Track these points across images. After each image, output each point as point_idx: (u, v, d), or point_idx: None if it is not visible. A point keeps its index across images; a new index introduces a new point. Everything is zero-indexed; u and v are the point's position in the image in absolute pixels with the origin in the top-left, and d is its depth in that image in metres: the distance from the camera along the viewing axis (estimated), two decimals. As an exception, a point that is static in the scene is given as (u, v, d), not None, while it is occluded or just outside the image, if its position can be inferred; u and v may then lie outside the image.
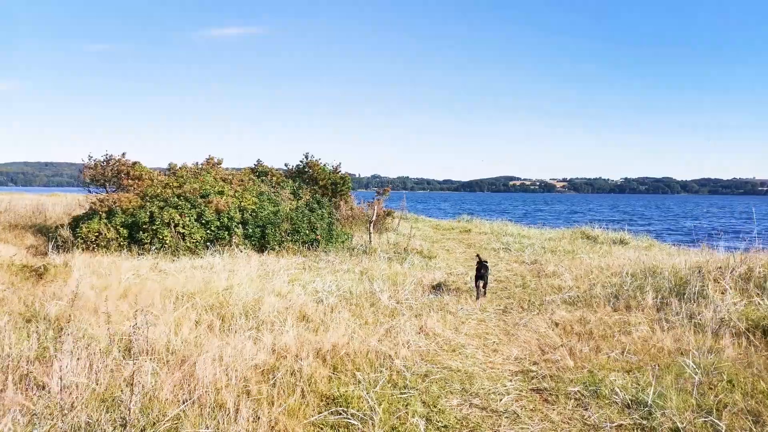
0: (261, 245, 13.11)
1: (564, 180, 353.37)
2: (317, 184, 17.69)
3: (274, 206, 14.64)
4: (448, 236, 19.21)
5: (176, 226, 12.85)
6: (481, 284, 8.23)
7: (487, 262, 8.63)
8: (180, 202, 13.47)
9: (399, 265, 10.78)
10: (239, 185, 15.56)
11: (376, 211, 18.41)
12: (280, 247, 13.00)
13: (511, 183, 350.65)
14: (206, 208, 13.37)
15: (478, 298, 8.11)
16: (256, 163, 18.13)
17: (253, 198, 14.59)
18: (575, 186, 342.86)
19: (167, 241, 12.60)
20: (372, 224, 12.72)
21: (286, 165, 18.58)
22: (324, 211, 16.88)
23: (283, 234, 13.30)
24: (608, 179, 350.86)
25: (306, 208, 16.92)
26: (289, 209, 15.01)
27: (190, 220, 13.02)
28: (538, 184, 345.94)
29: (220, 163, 17.30)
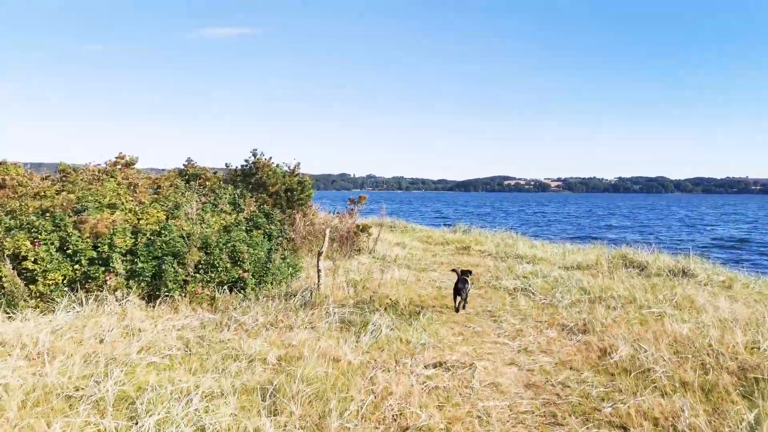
0: (154, 289, 8.44)
1: (558, 180, 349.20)
2: (267, 190, 13.03)
3: (194, 225, 10.01)
4: (441, 257, 14.59)
5: (23, 259, 8.18)
6: (459, 300, 7.89)
7: (470, 273, 8.28)
8: (39, 222, 8.78)
9: (355, 339, 6.15)
10: (147, 194, 10.91)
11: (346, 228, 13.77)
12: (183, 291, 8.36)
13: (506, 183, 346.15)
14: (75, 232, 8.68)
15: (457, 311, 7.84)
16: (185, 163, 13.45)
17: (159, 214, 9.92)
18: (570, 185, 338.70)
19: (5, 285, 7.94)
20: (321, 255, 8.04)
21: (227, 165, 13.89)
22: (273, 228, 12.22)
23: (192, 270, 8.62)
24: (602, 179, 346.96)
25: (249, 224, 12.29)
26: (218, 229, 10.39)
27: (47, 251, 8.33)
28: (533, 183, 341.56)
29: (133, 163, 12.58)
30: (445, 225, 29.50)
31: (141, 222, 9.67)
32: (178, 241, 8.76)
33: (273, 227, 12.34)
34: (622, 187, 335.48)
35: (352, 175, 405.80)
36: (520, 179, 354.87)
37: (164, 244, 8.68)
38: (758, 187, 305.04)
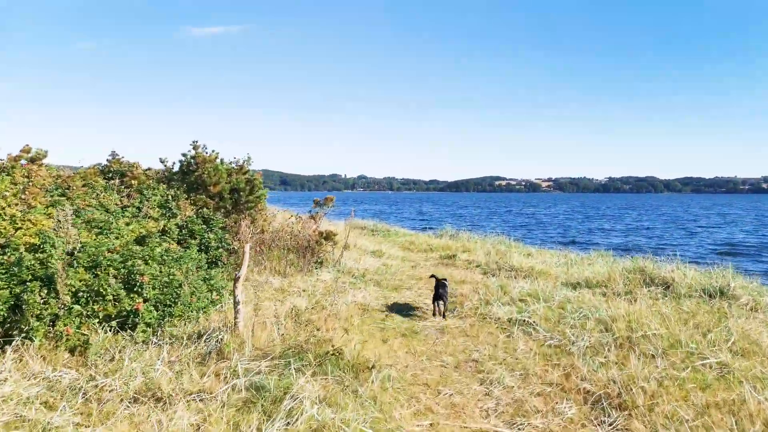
0: (12, 328, 6.03)
1: (549, 180, 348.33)
2: (208, 191, 10.62)
3: (98, 236, 7.66)
4: (422, 268, 12.26)
5: None
6: (441, 303, 7.58)
7: (446, 281, 7.93)
8: None
9: (257, 425, 3.82)
10: (39, 197, 8.52)
11: (306, 235, 11.42)
12: (52, 330, 5.96)
13: (497, 183, 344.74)
14: None
15: (435, 315, 7.57)
16: (110, 158, 11.02)
17: (46, 222, 7.54)
18: (560, 185, 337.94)
19: None
20: (239, 281, 5.64)
21: (162, 162, 11.45)
22: (211, 237, 9.86)
23: (70, 300, 6.20)
24: (593, 179, 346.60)
25: (183, 232, 9.95)
26: (129, 240, 8.03)
27: None
28: (523, 183, 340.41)
29: (41, 158, 10.14)
30: (430, 228, 27.18)
31: (18, 233, 7.30)
32: (58, 259, 6.34)
33: (212, 236, 9.97)
34: (612, 186, 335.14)
35: (343, 176, 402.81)
36: (511, 179, 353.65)
37: (37, 264, 6.28)
38: (747, 187, 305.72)
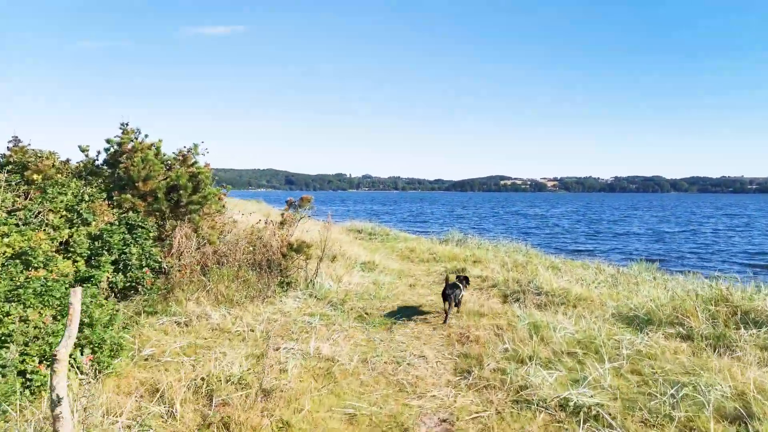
0: None
1: (555, 179, 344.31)
2: (137, 189, 7.90)
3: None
4: (423, 286, 9.57)
5: None
6: (450, 305, 7.21)
7: (466, 281, 7.92)
8: None
9: None
10: None
11: (272, 247, 8.74)
12: None
13: (502, 182, 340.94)
14: None
15: (446, 322, 7.00)
16: (10, 145, 8.34)
17: None
18: (566, 185, 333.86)
19: None
20: (59, 362, 2.98)
21: (83, 150, 8.70)
22: (132, 251, 7.21)
23: None
24: (599, 178, 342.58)
25: (95, 245, 7.33)
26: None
27: None
28: (529, 183, 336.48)
29: None
30: (433, 233, 24.41)
31: None
32: None
33: (134, 250, 7.28)
34: (618, 186, 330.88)
35: (348, 176, 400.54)
36: (516, 179, 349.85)
37: None
38: (754, 187, 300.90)
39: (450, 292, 7.25)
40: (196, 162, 8.60)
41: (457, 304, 7.53)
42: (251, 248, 8.50)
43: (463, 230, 26.26)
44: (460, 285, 7.63)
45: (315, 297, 8.08)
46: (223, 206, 9.71)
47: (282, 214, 9.94)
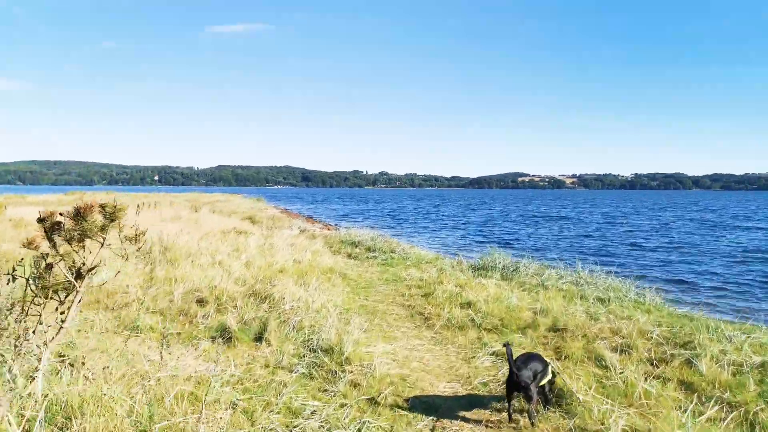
0: None
1: (573, 176, 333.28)
2: None
3: None
4: None
5: None
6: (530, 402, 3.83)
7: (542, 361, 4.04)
8: None
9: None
10: None
11: None
12: None
13: (519, 179, 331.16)
14: None
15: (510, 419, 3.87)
16: None
17: None
18: (585, 182, 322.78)
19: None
20: None
21: None
22: None
23: None
24: (618, 175, 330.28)
25: None
26: None
27: None
28: (547, 180, 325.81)
29: None
30: (462, 248, 17.67)
31: None
32: None
33: None
34: (638, 183, 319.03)
35: (365, 172, 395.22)
36: (534, 176, 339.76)
37: None
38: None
39: (521, 379, 3.78)
40: None
41: (547, 403, 4.05)
42: None
43: (499, 244, 19.49)
44: (542, 363, 4.02)
45: None
46: None
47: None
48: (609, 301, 7.67)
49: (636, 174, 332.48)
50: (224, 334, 5.53)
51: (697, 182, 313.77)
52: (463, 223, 34.49)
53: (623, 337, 5.82)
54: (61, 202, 38.87)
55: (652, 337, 5.80)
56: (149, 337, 5.57)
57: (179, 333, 5.77)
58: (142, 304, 6.75)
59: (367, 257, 13.19)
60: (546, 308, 6.90)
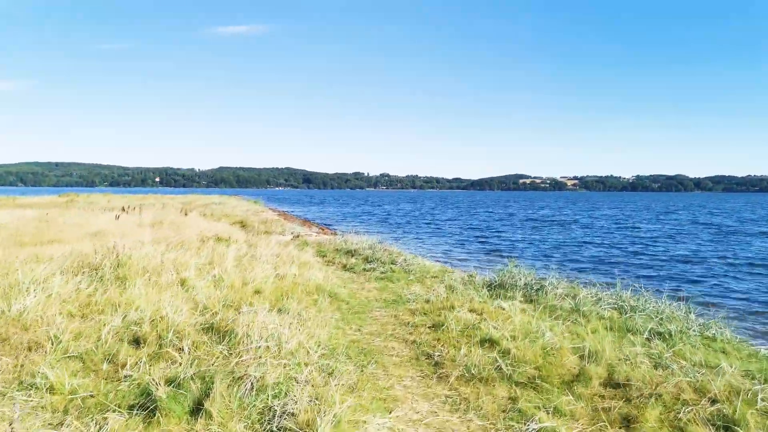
0: None
1: (575, 178, 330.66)
2: None
3: None
4: None
5: None
6: None
7: None
8: None
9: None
10: None
11: None
12: None
13: (521, 181, 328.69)
14: None
15: None
16: None
17: None
18: (586, 184, 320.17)
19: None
20: None
21: None
22: None
23: None
24: (620, 177, 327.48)
25: None
26: None
27: None
28: (548, 182, 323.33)
29: None
30: (467, 253, 15.90)
31: None
32: None
33: None
34: (640, 185, 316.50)
35: (366, 174, 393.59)
36: (535, 177, 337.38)
37: None
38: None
39: None
40: None
41: None
42: None
43: (506, 252, 17.87)
44: None
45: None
46: None
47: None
48: (671, 336, 5.95)
49: (637, 176, 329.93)
50: (147, 403, 3.81)
51: (698, 184, 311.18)
52: (465, 228, 32.71)
53: (714, 401, 4.12)
54: (52, 203, 37.24)
55: (756, 401, 4.09)
56: (43, 403, 3.87)
57: (92, 395, 4.08)
58: (58, 345, 5.06)
59: (364, 269, 11.47)
60: (594, 350, 5.18)
